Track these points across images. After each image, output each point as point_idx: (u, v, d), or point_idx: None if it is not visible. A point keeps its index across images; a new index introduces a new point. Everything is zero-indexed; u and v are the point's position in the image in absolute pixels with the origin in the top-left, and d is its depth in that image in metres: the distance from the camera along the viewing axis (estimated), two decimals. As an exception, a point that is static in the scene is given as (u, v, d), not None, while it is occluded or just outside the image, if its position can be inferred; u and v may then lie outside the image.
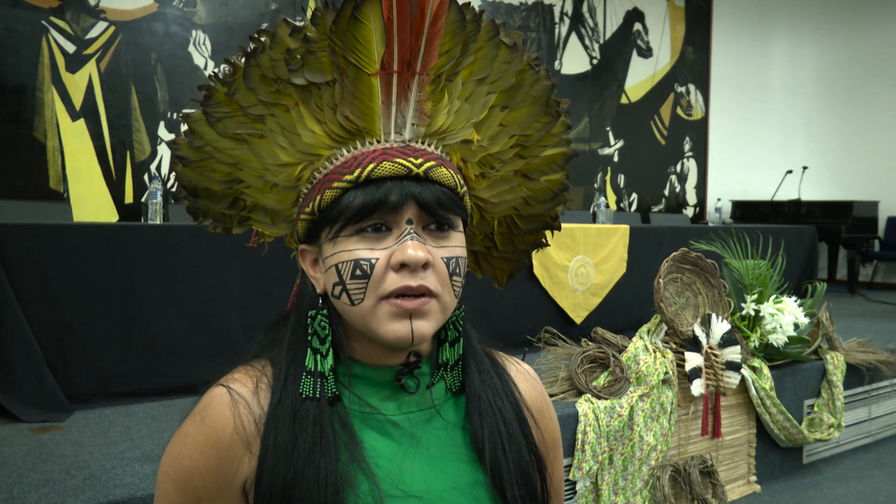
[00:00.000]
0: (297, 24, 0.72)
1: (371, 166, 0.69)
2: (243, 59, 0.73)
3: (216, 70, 0.73)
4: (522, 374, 0.87)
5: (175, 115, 4.80)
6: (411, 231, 0.69)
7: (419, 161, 0.70)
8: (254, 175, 0.77)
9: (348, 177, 0.70)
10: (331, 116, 0.72)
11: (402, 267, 0.68)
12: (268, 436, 0.70)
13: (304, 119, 0.72)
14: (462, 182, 0.75)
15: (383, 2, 0.68)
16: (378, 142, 0.72)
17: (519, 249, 0.88)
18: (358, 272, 0.69)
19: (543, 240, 0.89)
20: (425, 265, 0.69)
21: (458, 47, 0.72)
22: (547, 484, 0.80)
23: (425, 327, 0.70)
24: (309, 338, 0.73)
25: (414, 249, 0.68)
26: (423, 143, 0.73)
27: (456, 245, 0.72)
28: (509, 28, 0.77)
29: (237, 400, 0.72)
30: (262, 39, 0.72)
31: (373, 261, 0.69)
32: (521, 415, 0.80)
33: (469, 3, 0.71)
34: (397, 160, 0.70)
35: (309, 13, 0.72)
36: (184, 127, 0.78)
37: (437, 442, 0.75)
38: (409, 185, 0.69)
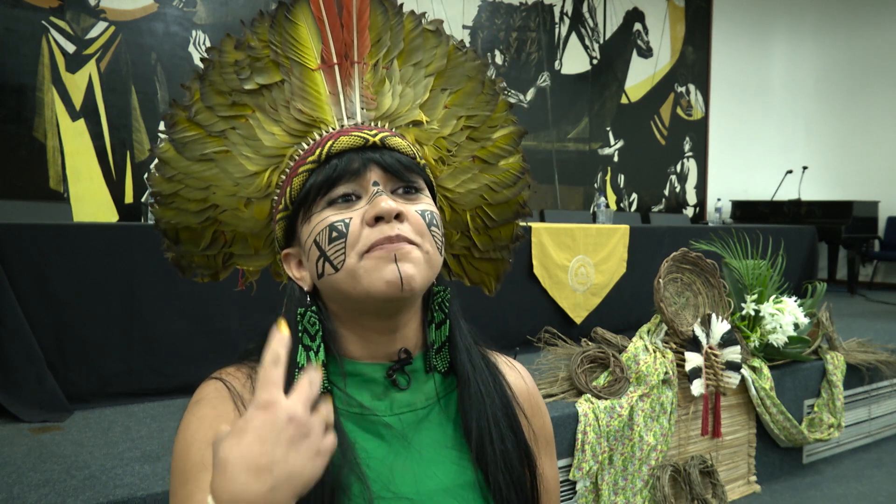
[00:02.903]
0: (241, 37, 0.79)
1: (329, 143, 0.74)
2: (198, 81, 0.78)
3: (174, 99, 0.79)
4: (513, 369, 0.88)
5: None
6: (380, 190, 0.73)
7: (374, 132, 0.75)
8: (226, 195, 0.80)
9: (311, 159, 0.75)
10: (286, 114, 0.77)
11: (377, 221, 0.71)
12: None
13: (263, 123, 0.77)
14: (420, 153, 0.79)
15: (311, 3, 0.76)
16: (333, 129, 0.77)
17: (499, 246, 0.90)
18: (334, 234, 0.71)
19: (519, 231, 0.91)
20: (398, 216, 0.71)
21: (386, 36, 0.79)
22: (536, 480, 0.80)
23: (412, 270, 0.70)
24: (299, 335, 0.74)
25: (385, 202, 0.71)
26: (374, 125, 0.78)
27: (427, 203, 0.76)
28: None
29: (232, 388, 0.73)
30: (211, 56, 0.78)
31: (346, 220, 0.72)
32: (509, 409, 0.80)
33: None
34: (353, 133, 0.75)
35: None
36: (155, 162, 0.82)
37: (429, 443, 0.76)
38: (368, 153, 0.74)
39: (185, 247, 0.85)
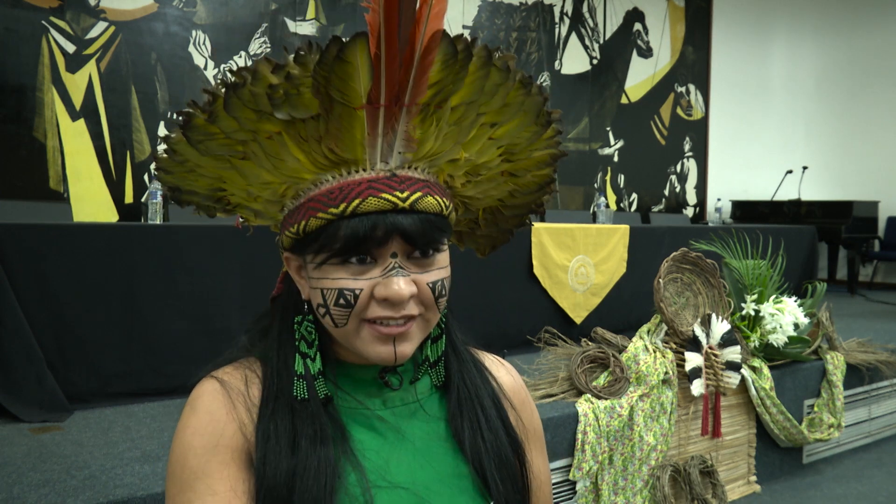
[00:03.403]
0: (280, 62, 0.68)
1: (357, 202, 0.68)
2: (223, 90, 0.70)
3: (213, 82, 0.72)
4: (500, 366, 0.90)
5: (175, 116, 4.79)
6: (396, 265, 0.70)
7: (405, 195, 0.69)
8: (238, 188, 0.77)
9: (333, 210, 0.69)
10: (315, 147, 0.70)
11: (386, 300, 0.70)
12: (268, 426, 0.72)
13: (288, 147, 0.71)
14: (448, 204, 0.74)
15: (371, 39, 0.65)
16: (364, 170, 0.70)
17: (502, 230, 0.90)
18: (342, 301, 0.70)
19: (527, 220, 0.89)
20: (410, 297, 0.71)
21: (448, 78, 0.69)
22: (527, 469, 0.82)
23: (408, 349, 0.72)
24: (297, 343, 0.75)
25: (398, 286, 0.69)
26: (410, 167, 0.72)
27: (441, 266, 0.73)
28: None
29: (229, 388, 0.74)
30: (244, 75, 0.68)
31: (357, 291, 0.70)
32: (498, 402, 0.83)
33: (462, 35, 0.68)
34: (383, 195, 0.68)
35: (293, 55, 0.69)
36: (164, 145, 0.76)
37: (422, 435, 0.78)
38: (394, 218, 0.69)
39: (187, 197, 0.82)
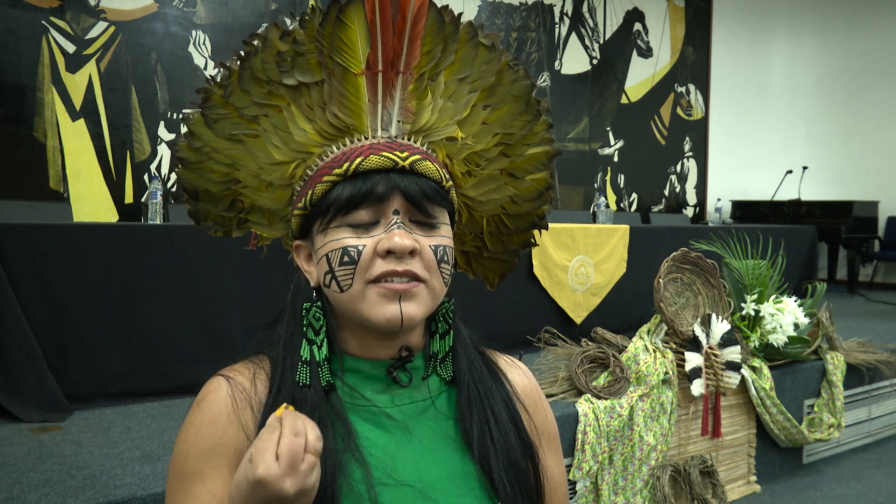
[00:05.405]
0: (287, 28, 0.76)
1: (358, 160, 0.73)
2: (238, 63, 0.76)
3: (213, 73, 0.77)
4: (514, 367, 0.90)
5: (175, 115, 4.80)
6: (398, 221, 0.72)
7: (405, 154, 0.73)
8: (250, 174, 0.80)
9: (337, 171, 0.73)
10: (320, 115, 0.75)
11: (389, 254, 0.71)
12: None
13: (296, 118, 0.76)
14: (447, 177, 0.77)
15: (366, 5, 0.72)
16: (366, 138, 0.75)
17: (509, 249, 0.91)
18: (346, 258, 0.72)
19: (532, 239, 0.92)
20: (412, 252, 0.72)
21: (438, 47, 0.76)
22: (540, 473, 0.81)
23: (414, 310, 0.72)
24: (304, 329, 0.76)
25: (401, 237, 0.71)
26: (408, 139, 0.76)
27: (443, 235, 0.75)
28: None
29: (234, 386, 0.75)
30: (255, 43, 0.76)
31: (360, 247, 0.72)
32: (510, 404, 0.83)
33: (448, 5, 0.75)
34: (383, 154, 0.73)
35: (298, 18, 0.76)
36: (184, 129, 0.81)
37: (430, 433, 0.77)
38: (395, 178, 0.73)
39: (203, 205, 0.86)
